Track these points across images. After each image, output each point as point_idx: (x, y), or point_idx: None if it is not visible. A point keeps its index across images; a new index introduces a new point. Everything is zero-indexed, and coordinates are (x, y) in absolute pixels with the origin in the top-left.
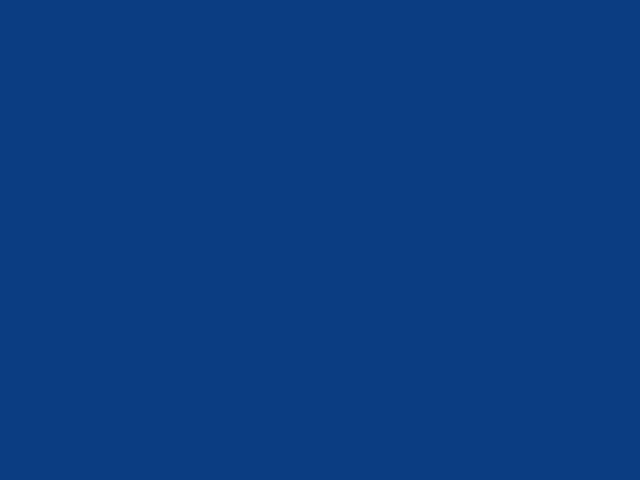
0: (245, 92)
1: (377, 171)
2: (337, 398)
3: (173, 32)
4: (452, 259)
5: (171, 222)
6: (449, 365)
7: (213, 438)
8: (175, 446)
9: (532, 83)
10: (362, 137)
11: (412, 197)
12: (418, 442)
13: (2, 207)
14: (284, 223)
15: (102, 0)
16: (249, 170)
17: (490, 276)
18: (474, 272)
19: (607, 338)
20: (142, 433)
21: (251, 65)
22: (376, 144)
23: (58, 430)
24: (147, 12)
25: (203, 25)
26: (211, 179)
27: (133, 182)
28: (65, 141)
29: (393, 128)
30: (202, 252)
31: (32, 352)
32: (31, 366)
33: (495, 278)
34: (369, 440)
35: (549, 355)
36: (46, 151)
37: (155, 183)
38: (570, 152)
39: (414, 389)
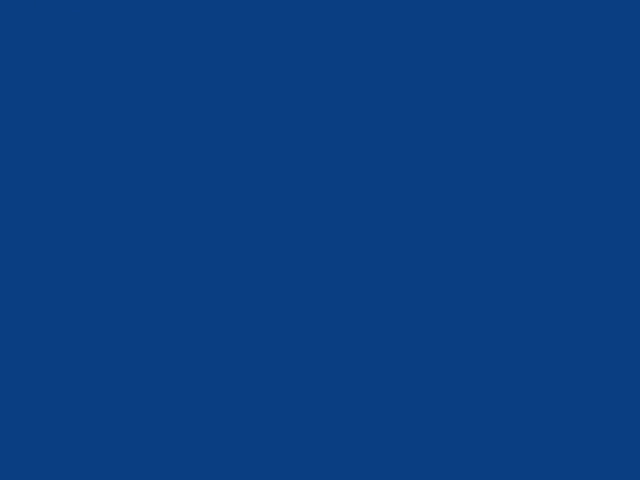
0: (245, 92)
1: (377, 171)
2: (337, 398)
3: (173, 32)
4: (452, 259)
5: (171, 222)
6: (449, 365)
7: (213, 438)
8: (175, 446)
9: (532, 83)
10: (362, 137)
11: (412, 197)
12: (418, 442)
13: (2, 207)
14: (284, 223)
15: (102, 0)
16: (249, 170)
17: (490, 276)
18: (474, 272)
19: (607, 338)
20: (142, 433)
21: (251, 65)
22: (376, 144)
23: (58, 430)
24: (147, 12)
25: (203, 25)
26: (211, 179)
27: (133, 182)
28: (65, 141)
29: (393, 128)
30: (202, 252)
31: (32, 352)
32: (31, 366)
33: (495, 278)
34: (369, 440)
35: (549, 355)
36: (46, 151)
37: (155, 183)
38: (570, 152)
39: (414, 389)
